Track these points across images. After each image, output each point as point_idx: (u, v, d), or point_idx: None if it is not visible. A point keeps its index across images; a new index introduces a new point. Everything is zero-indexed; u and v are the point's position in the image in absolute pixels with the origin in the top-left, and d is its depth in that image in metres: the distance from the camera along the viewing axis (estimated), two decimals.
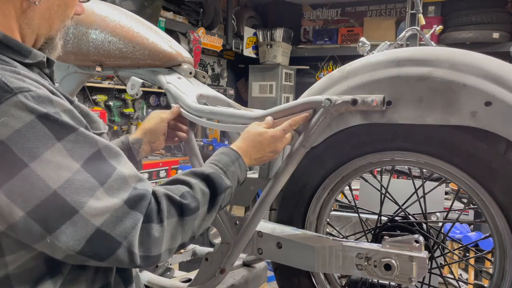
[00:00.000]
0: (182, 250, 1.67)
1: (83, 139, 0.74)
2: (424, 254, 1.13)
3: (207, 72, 6.26)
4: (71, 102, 0.81)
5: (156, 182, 4.71)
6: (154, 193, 0.81)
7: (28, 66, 0.80)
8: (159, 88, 1.57)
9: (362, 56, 2.41)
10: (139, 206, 0.76)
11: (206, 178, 0.92)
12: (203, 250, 1.70)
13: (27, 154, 0.68)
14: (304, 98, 1.23)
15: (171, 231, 0.81)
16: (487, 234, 1.24)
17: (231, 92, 6.75)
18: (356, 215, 1.51)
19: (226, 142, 5.84)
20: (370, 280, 1.44)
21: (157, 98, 5.70)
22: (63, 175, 0.70)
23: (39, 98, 0.71)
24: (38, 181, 0.68)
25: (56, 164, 0.70)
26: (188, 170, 0.94)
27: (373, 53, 2.52)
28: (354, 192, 1.57)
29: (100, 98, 4.82)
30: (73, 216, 0.69)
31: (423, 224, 1.36)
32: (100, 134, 0.85)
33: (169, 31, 4.78)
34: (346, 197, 1.71)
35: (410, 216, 1.36)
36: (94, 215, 0.71)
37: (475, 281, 1.44)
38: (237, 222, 1.31)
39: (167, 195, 0.83)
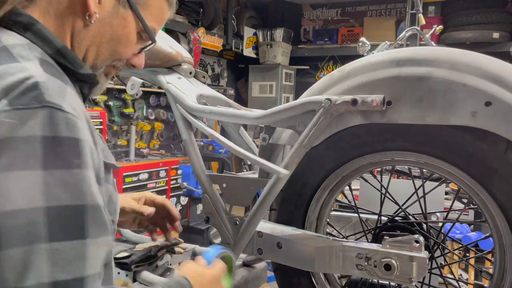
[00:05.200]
0: (182, 250, 1.67)
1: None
2: (424, 254, 1.13)
3: (207, 72, 6.27)
4: (92, 134, 0.77)
5: (156, 182, 4.72)
6: None
7: (74, 81, 0.80)
8: (159, 88, 1.57)
9: (362, 56, 2.41)
10: None
11: None
12: (203, 250, 1.70)
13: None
14: (304, 98, 1.23)
15: None
16: (487, 234, 1.24)
17: (231, 92, 6.76)
18: (356, 215, 1.51)
19: None
20: (370, 280, 1.44)
21: (157, 98, 5.71)
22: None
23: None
24: None
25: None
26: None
27: (373, 53, 2.52)
28: (354, 192, 1.57)
29: (100, 98, 4.82)
30: None
31: (423, 224, 1.36)
32: (113, 168, 0.85)
33: (169, 31, 4.78)
34: (346, 197, 1.71)
35: (410, 216, 1.36)
36: None
37: (475, 281, 1.44)
38: (237, 222, 1.31)
39: None
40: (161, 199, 1.27)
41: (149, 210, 1.21)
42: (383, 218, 1.41)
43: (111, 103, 4.93)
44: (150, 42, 0.91)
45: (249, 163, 1.70)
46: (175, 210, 1.29)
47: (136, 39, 0.89)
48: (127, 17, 0.84)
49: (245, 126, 1.68)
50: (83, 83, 0.84)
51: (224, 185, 1.33)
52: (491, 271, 1.22)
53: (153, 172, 4.75)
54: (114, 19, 0.83)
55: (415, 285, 1.18)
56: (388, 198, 1.47)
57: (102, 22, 0.82)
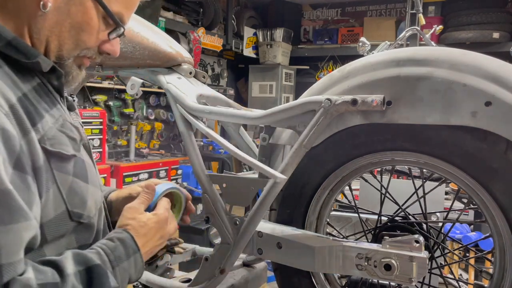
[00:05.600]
0: (182, 250, 1.67)
1: None
2: (424, 254, 1.13)
3: (207, 72, 6.27)
4: (34, 125, 0.77)
5: None
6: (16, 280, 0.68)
7: (29, 72, 0.81)
8: (159, 88, 1.57)
9: (362, 56, 2.41)
10: None
11: (88, 270, 0.78)
12: (203, 250, 1.70)
13: None
14: (304, 98, 1.23)
15: None
16: (487, 234, 1.24)
17: (231, 92, 6.76)
18: (356, 215, 1.51)
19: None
20: (370, 280, 1.44)
21: (157, 98, 5.71)
22: None
23: None
24: None
25: None
26: (76, 251, 0.80)
27: (373, 53, 2.52)
28: (354, 192, 1.57)
29: (100, 98, 4.82)
30: None
31: (423, 224, 1.35)
32: (67, 157, 0.82)
33: (169, 31, 4.78)
34: (346, 197, 1.71)
35: (410, 216, 1.36)
36: None
37: (475, 281, 1.43)
38: (237, 222, 1.31)
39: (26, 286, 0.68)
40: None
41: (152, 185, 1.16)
42: (383, 218, 1.40)
43: (111, 103, 4.93)
44: (115, 27, 0.88)
45: None
46: (185, 192, 1.24)
47: (103, 25, 0.87)
48: (85, 3, 0.82)
49: (245, 126, 1.68)
50: (50, 75, 0.84)
51: (224, 185, 1.33)
52: (491, 271, 1.22)
53: (153, 172, 4.75)
54: (71, 6, 0.81)
55: (415, 285, 1.18)
56: (388, 198, 1.47)
57: (58, 10, 0.81)
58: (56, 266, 0.74)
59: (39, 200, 0.76)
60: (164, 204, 1.05)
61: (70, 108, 0.98)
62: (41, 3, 0.78)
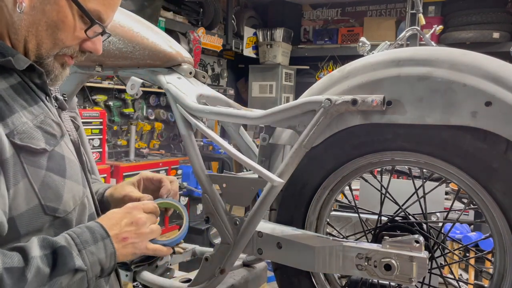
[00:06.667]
0: (182, 250, 1.67)
1: None
2: (424, 254, 1.13)
3: (207, 72, 6.27)
4: (2, 119, 0.78)
5: None
6: None
7: (7, 71, 0.83)
8: (159, 88, 1.57)
9: (362, 56, 2.41)
10: None
11: (54, 252, 0.79)
12: (203, 250, 1.70)
13: None
14: (304, 98, 1.23)
15: None
16: (487, 234, 1.24)
17: (231, 92, 6.77)
18: (356, 215, 1.51)
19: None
20: (370, 280, 1.44)
21: (157, 98, 5.71)
22: None
23: None
24: None
25: None
26: (41, 237, 0.81)
27: (373, 53, 2.52)
28: (354, 192, 1.57)
29: (100, 98, 4.83)
30: None
31: (423, 224, 1.35)
32: (38, 152, 0.82)
33: (169, 31, 4.79)
34: (346, 197, 1.71)
35: (410, 216, 1.36)
36: None
37: (475, 281, 1.43)
38: (237, 222, 1.30)
39: None
40: (159, 175, 1.23)
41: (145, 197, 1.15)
42: (383, 218, 1.40)
43: (111, 103, 4.93)
44: (90, 24, 0.88)
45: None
46: (173, 185, 1.23)
47: (81, 24, 0.87)
48: (59, 1, 0.84)
49: (245, 126, 1.68)
50: (31, 74, 0.86)
51: (224, 185, 1.33)
52: (491, 271, 1.22)
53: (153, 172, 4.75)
54: (45, 5, 0.83)
55: (415, 285, 1.18)
56: (388, 198, 1.47)
57: (34, 10, 0.83)
58: (23, 251, 0.76)
59: (6, 192, 0.76)
60: (146, 202, 1.03)
61: (62, 107, 0.98)
62: (17, 4, 0.80)
